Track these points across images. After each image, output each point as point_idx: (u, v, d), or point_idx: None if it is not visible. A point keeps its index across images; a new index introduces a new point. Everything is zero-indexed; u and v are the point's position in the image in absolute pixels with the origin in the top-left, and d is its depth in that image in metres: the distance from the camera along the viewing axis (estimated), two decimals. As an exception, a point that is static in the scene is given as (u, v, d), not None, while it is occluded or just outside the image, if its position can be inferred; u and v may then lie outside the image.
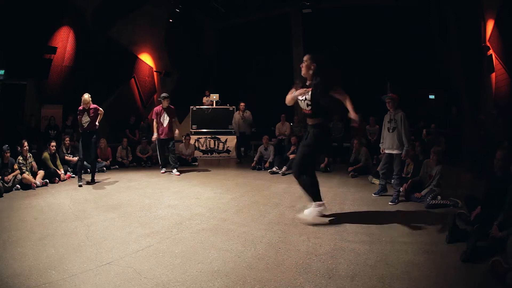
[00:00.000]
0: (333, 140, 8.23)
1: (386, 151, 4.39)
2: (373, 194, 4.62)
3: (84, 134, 5.51)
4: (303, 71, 3.39)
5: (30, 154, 5.53)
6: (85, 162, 6.57)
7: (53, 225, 3.37)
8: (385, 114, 4.48)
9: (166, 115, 6.45)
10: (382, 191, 4.59)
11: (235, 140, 9.01)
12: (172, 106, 6.57)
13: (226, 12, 10.93)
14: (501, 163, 3.14)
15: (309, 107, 3.36)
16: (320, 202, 3.51)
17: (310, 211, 3.52)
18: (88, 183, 5.59)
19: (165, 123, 6.43)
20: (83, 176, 6.00)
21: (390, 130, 4.29)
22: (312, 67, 3.33)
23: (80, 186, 5.35)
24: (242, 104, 8.43)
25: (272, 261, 2.55)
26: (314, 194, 3.51)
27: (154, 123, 6.49)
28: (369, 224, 3.40)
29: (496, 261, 2.31)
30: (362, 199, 4.49)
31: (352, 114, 3.29)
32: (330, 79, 3.28)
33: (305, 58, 3.39)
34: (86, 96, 5.42)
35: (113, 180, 5.93)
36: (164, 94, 6.62)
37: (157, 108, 6.56)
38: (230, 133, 9.18)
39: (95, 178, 5.73)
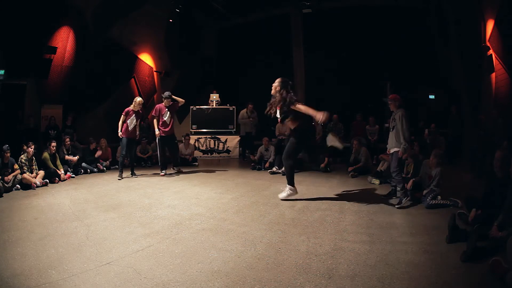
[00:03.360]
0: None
1: (391, 151, 4.33)
2: (390, 199, 4.44)
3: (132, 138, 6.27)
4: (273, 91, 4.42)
5: (34, 158, 5.54)
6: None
7: (53, 225, 3.37)
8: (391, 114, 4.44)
9: (168, 113, 6.45)
10: (393, 194, 4.46)
11: (236, 139, 9.02)
12: (174, 102, 6.58)
13: (226, 12, 10.93)
14: (500, 164, 3.14)
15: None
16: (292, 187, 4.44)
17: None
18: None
19: (168, 121, 6.46)
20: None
21: (391, 129, 4.29)
22: (277, 89, 4.35)
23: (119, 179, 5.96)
24: (250, 106, 8.62)
25: (272, 261, 2.55)
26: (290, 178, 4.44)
27: (155, 121, 6.46)
28: (369, 224, 3.41)
29: (496, 261, 2.31)
30: (362, 199, 4.48)
31: (317, 116, 3.99)
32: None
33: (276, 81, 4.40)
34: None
35: (113, 180, 5.93)
36: (166, 94, 6.51)
37: (160, 106, 6.55)
38: (230, 133, 9.19)
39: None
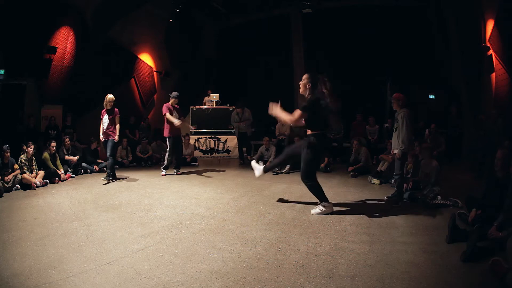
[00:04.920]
0: (333, 141, 8.24)
1: (394, 151, 4.29)
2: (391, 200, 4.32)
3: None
4: (301, 90, 3.83)
5: (34, 158, 5.53)
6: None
7: (53, 225, 3.37)
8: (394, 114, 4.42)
9: (175, 113, 6.38)
10: (395, 196, 4.33)
11: (236, 139, 9.01)
12: (177, 106, 6.49)
13: (226, 12, 10.93)
14: (501, 163, 3.14)
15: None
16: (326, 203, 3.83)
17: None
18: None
19: (176, 121, 6.29)
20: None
21: (394, 130, 4.24)
22: (308, 86, 3.74)
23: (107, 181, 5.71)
24: (239, 109, 8.35)
25: (272, 261, 2.55)
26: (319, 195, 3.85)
27: (168, 115, 6.28)
28: (369, 224, 3.41)
29: (496, 261, 2.31)
30: (362, 199, 4.49)
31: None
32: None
33: (303, 76, 3.81)
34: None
35: (113, 180, 5.92)
36: (174, 94, 6.45)
37: (168, 104, 6.43)
38: (230, 133, 9.18)
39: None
